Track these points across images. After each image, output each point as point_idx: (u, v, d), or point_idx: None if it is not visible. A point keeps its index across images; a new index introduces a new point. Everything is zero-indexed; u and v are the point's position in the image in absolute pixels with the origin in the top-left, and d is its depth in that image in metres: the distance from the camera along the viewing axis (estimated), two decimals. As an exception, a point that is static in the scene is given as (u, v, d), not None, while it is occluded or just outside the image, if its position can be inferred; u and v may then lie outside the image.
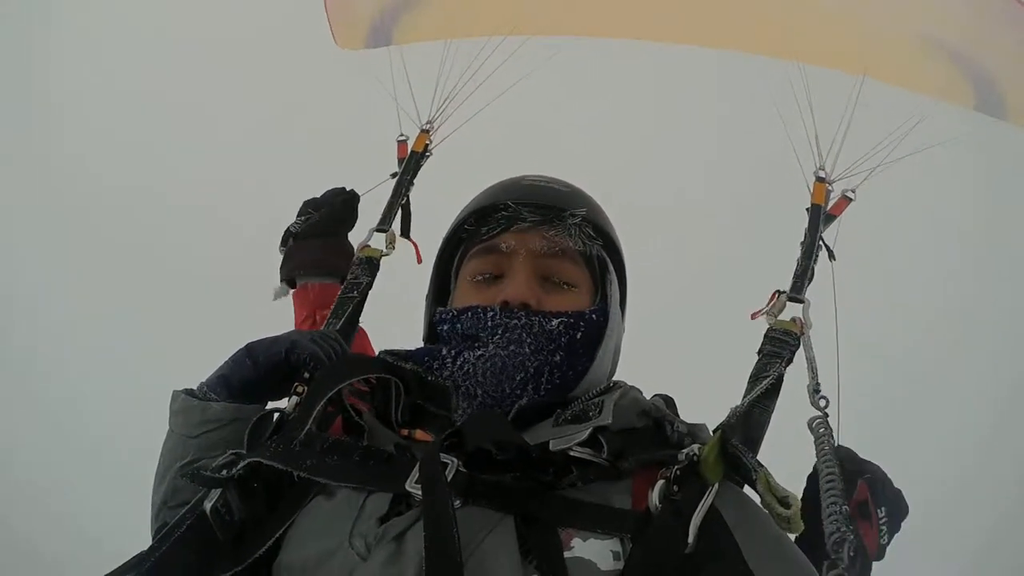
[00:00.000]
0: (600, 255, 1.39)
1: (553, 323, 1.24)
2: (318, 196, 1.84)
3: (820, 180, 1.56)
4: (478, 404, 1.21)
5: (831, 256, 1.53)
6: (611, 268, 1.41)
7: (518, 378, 1.20)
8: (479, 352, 1.22)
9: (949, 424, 4.61)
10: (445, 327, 1.31)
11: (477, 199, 1.42)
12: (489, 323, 1.24)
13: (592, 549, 0.97)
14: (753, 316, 1.44)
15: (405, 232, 1.77)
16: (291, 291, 1.80)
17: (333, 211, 1.79)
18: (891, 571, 1.26)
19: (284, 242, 1.80)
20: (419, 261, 1.70)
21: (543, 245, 1.31)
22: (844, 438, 1.21)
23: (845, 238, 1.56)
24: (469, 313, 1.27)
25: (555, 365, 1.23)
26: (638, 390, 1.28)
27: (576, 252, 1.34)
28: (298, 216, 1.81)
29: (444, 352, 1.25)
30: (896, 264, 4.75)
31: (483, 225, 1.35)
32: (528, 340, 1.22)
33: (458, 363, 1.23)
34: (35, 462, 4.87)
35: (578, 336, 1.26)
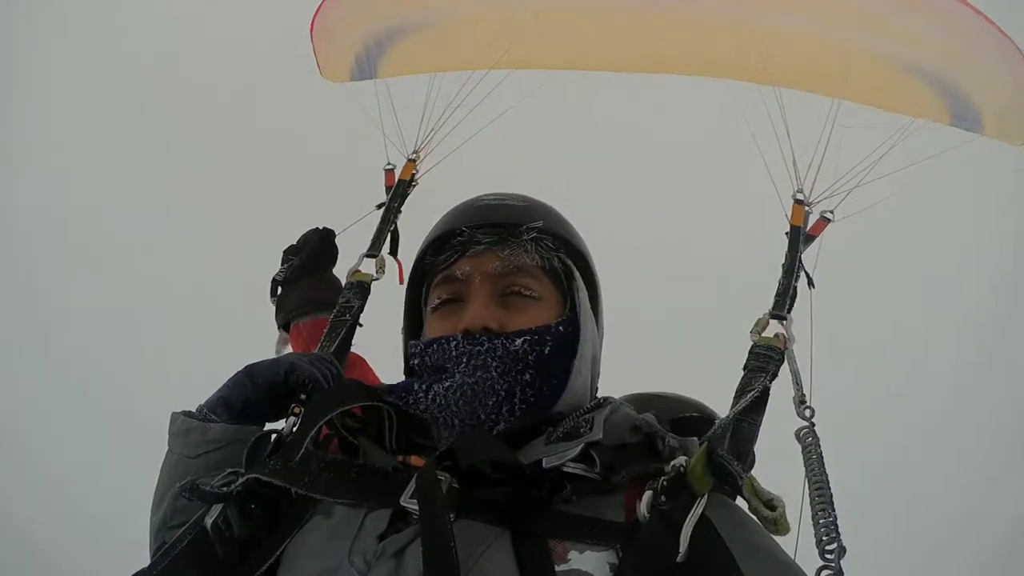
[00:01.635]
0: (565, 264, 1.37)
1: (517, 343, 1.22)
2: (295, 243, 1.91)
3: (799, 202, 1.59)
4: (458, 433, 1.21)
5: (810, 284, 1.56)
6: (577, 276, 1.38)
7: (490, 403, 1.20)
8: (447, 383, 1.22)
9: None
10: (416, 361, 1.32)
11: (435, 227, 1.42)
12: (453, 353, 1.23)
13: (589, 561, 0.98)
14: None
15: (393, 252, 1.80)
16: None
17: (311, 252, 1.86)
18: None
19: (273, 292, 1.86)
20: (401, 282, 1.70)
21: (498, 265, 1.30)
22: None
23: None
24: (434, 345, 1.27)
25: (526, 384, 1.22)
26: (629, 405, 1.28)
27: (534, 266, 1.32)
28: (281, 265, 1.87)
29: (416, 387, 1.25)
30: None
31: (441, 254, 1.35)
32: (494, 364, 1.21)
33: (430, 396, 1.23)
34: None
35: (546, 352, 1.24)
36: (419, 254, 1.42)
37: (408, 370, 1.43)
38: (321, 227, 1.90)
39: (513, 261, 1.30)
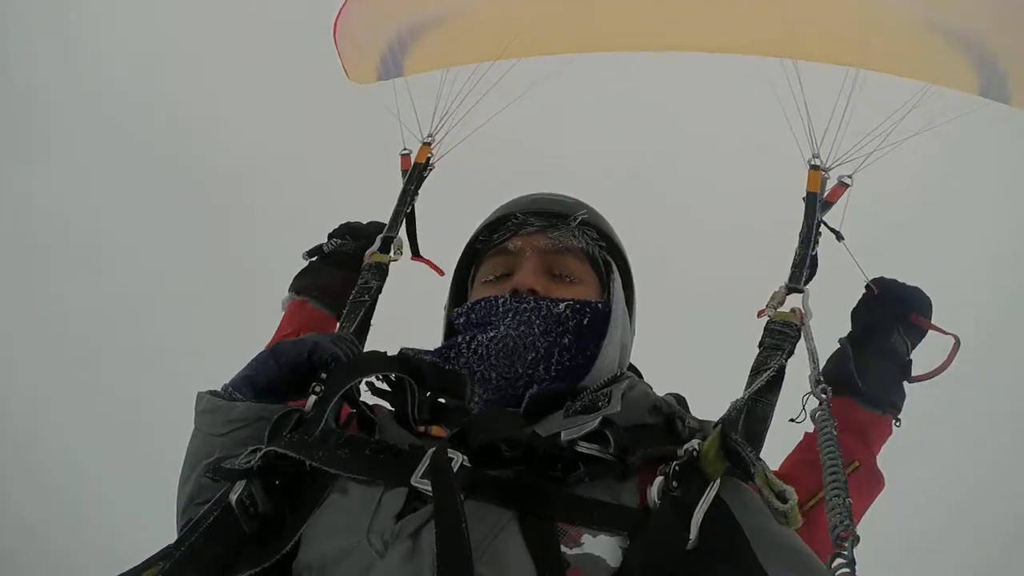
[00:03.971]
0: (604, 257, 1.46)
1: (560, 307, 1.31)
2: (363, 223, 1.90)
3: (815, 168, 1.56)
4: (493, 388, 1.26)
5: (838, 236, 1.52)
6: (615, 270, 1.47)
7: (529, 358, 1.26)
8: (491, 334, 1.29)
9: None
10: (461, 320, 1.39)
11: (490, 214, 1.53)
12: (500, 308, 1.32)
13: (602, 545, 0.99)
14: (759, 314, 1.42)
15: (414, 250, 1.84)
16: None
17: (362, 247, 1.81)
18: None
19: (310, 255, 1.87)
20: (441, 273, 1.75)
21: (547, 243, 1.41)
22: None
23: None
24: (482, 303, 1.35)
25: (564, 347, 1.28)
26: (647, 384, 1.31)
27: (579, 250, 1.43)
28: (335, 236, 1.87)
29: (460, 339, 1.32)
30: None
31: (496, 232, 1.47)
32: (537, 322, 1.29)
33: (472, 346, 1.29)
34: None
35: (585, 321, 1.31)
36: (472, 236, 1.53)
37: (449, 335, 1.49)
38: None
39: (562, 242, 1.42)
